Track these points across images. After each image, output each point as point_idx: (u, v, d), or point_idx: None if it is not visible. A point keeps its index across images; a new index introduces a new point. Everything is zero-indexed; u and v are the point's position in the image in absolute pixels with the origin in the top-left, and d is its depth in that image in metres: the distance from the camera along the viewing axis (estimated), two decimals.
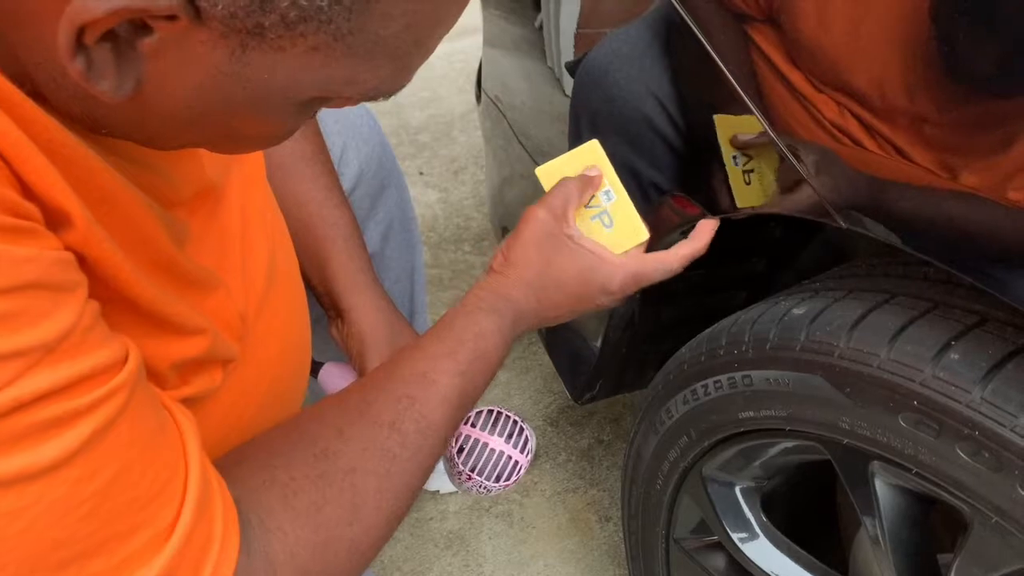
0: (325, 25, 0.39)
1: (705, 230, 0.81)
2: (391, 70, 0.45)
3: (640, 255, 0.79)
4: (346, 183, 0.97)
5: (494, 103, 1.49)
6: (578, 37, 1.06)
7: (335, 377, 0.90)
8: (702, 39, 0.78)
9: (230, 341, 0.61)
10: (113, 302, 0.47)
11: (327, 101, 0.47)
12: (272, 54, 0.40)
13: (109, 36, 0.38)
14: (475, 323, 0.70)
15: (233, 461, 0.57)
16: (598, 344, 1.11)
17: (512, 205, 1.44)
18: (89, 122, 0.45)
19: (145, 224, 0.50)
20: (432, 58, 0.48)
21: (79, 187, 0.44)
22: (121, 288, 0.48)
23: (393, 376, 0.66)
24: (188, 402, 0.55)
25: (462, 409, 0.68)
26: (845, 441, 0.73)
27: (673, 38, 0.85)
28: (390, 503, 0.60)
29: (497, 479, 0.79)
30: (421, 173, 2.29)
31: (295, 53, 0.40)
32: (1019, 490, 0.61)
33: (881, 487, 0.74)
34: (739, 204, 0.80)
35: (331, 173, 0.88)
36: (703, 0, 0.79)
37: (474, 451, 0.78)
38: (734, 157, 0.79)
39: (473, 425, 0.79)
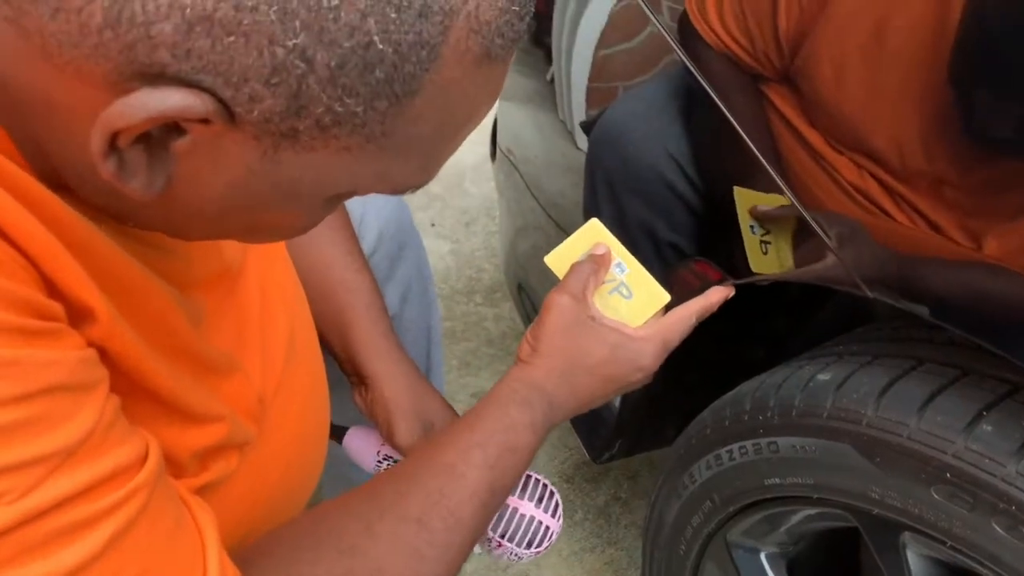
0: (359, 128, 0.40)
1: (718, 293, 0.80)
2: (420, 166, 0.46)
3: (661, 322, 0.78)
4: (366, 247, 0.96)
5: (506, 156, 1.49)
6: (590, 91, 1.06)
7: (359, 441, 0.89)
8: (717, 101, 0.78)
9: (247, 424, 0.60)
10: (134, 393, 0.47)
11: (354, 194, 0.47)
12: (304, 154, 0.40)
13: (142, 138, 0.38)
14: (506, 415, 0.69)
15: (258, 554, 0.56)
16: (617, 403, 1.10)
17: (525, 257, 1.44)
18: (114, 214, 0.45)
19: (165, 311, 0.50)
20: None
21: (102, 280, 0.43)
22: (142, 379, 0.48)
23: (422, 468, 0.65)
24: (205, 488, 0.54)
25: (492, 505, 0.66)
26: (875, 511, 0.72)
27: (689, 98, 0.85)
28: None
29: (528, 545, 0.76)
30: (433, 225, 2.29)
31: (326, 153, 0.41)
32: None
33: (913, 558, 0.73)
34: (754, 270, 0.80)
35: (351, 238, 0.88)
36: (717, 62, 0.79)
37: (504, 516, 0.76)
38: (751, 226, 0.78)
39: None
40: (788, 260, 0.76)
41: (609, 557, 1.43)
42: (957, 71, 0.59)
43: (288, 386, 0.67)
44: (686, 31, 0.82)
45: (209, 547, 0.48)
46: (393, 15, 0.36)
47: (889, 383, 0.70)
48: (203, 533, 0.48)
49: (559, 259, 0.81)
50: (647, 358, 0.75)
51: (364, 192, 0.46)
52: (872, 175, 0.66)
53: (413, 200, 2.40)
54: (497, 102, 1.58)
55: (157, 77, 0.36)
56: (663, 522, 0.97)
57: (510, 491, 0.69)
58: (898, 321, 0.81)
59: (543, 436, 0.71)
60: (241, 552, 0.55)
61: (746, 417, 0.81)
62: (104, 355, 0.44)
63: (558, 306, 0.74)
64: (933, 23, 0.59)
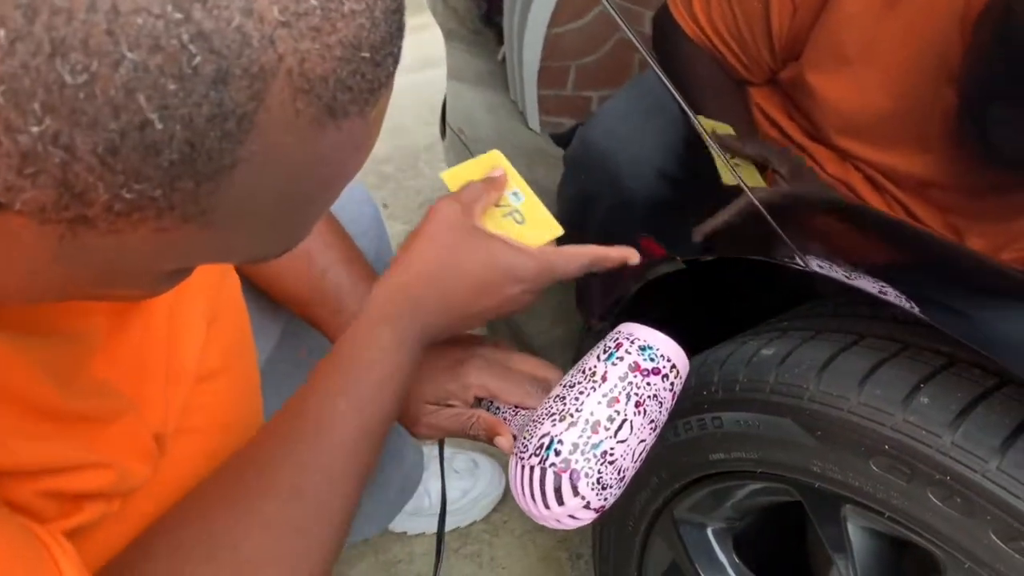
0: (167, 211, 0.33)
1: (620, 250, 0.77)
2: (271, 238, 0.40)
3: (552, 247, 0.75)
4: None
5: (458, 136, 1.48)
6: (542, 70, 1.05)
7: None
8: (677, 96, 0.76)
9: (138, 467, 0.55)
10: None
11: (201, 264, 0.41)
12: (111, 236, 0.34)
13: None
14: (375, 341, 0.63)
15: (140, 557, 0.53)
16: None
17: None
18: None
19: (10, 378, 0.44)
20: (398, 89, 0.43)
21: None
22: None
23: (287, 428, 0.60)
24: (76, 532, 0.49)
25: (370, 449, 0.62)
26: (816, 484, 0.72)
27: (671, 109, 0.82)
28: None
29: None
30: (385, 205, 2.27)
31: (139, 235, 0.34)
32: (991, 535, 0.60)
33: (854, 530, 0.73)
34: (726, 182, 0.76)
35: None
36: (697, 58, 0.76)
37: None
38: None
39: None
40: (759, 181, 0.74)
41: (562, 536, 1.43)
42: (971, 77, 0.57)
43: (207, 396, 0.62)
44: (665, 21, 0.79)
45: None
46: (172, 87, 0.30)
47: (831, 357, 0.71)
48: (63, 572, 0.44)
49: (456, 177, 0.78)
50: (527, 271, 0.70)
51: (213, 263, 0.41)
52: (857, 169, 0.65)
53: (365, 179, 2.38)
54: (447, 81, 1.55)
55: None
56: None
57: (393, 418, 0.64)
58: (842, 298, 0.82)
59: (417, 353, 0.67)
60: (125, 556, 0.51)
61: (691, 393, 0.82)
62: None
63: (442, 210, 0.70)
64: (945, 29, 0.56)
